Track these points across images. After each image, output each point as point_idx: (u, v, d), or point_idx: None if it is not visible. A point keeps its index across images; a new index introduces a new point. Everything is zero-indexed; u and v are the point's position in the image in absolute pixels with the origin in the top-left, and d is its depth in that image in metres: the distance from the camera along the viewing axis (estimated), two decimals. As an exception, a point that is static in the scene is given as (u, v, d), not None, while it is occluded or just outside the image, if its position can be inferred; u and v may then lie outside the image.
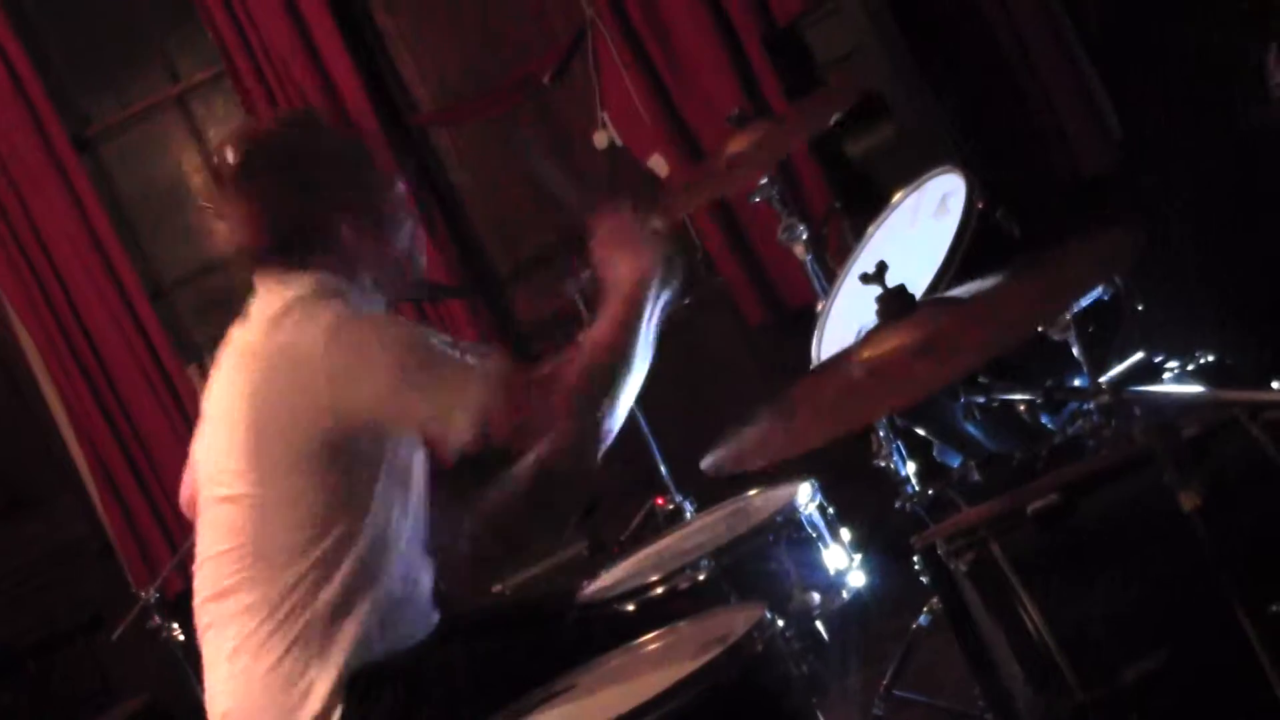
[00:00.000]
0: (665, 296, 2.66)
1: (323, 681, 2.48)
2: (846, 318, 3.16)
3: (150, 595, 4.39)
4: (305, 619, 2.50)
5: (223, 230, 2.65)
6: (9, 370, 5.60)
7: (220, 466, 2.59)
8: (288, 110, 2.80)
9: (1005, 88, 4.79)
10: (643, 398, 2.68)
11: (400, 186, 2.76)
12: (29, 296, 5.42)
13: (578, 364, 2.54)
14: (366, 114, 5.19)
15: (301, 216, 2.61)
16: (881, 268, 2.12)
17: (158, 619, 4.34)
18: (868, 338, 2.16)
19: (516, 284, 5.33)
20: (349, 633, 2.51)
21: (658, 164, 5.21)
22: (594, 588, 2.90)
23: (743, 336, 5.29)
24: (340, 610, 2.51)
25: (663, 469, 3.75)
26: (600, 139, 5.26)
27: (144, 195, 5.68)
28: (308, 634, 2.50)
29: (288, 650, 2.50)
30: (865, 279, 2.14)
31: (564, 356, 2.57)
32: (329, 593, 2.51)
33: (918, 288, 2.67)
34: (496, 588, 4.11)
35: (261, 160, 2.63)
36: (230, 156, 2.62)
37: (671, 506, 3.67)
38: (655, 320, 2.64)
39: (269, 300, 2.62)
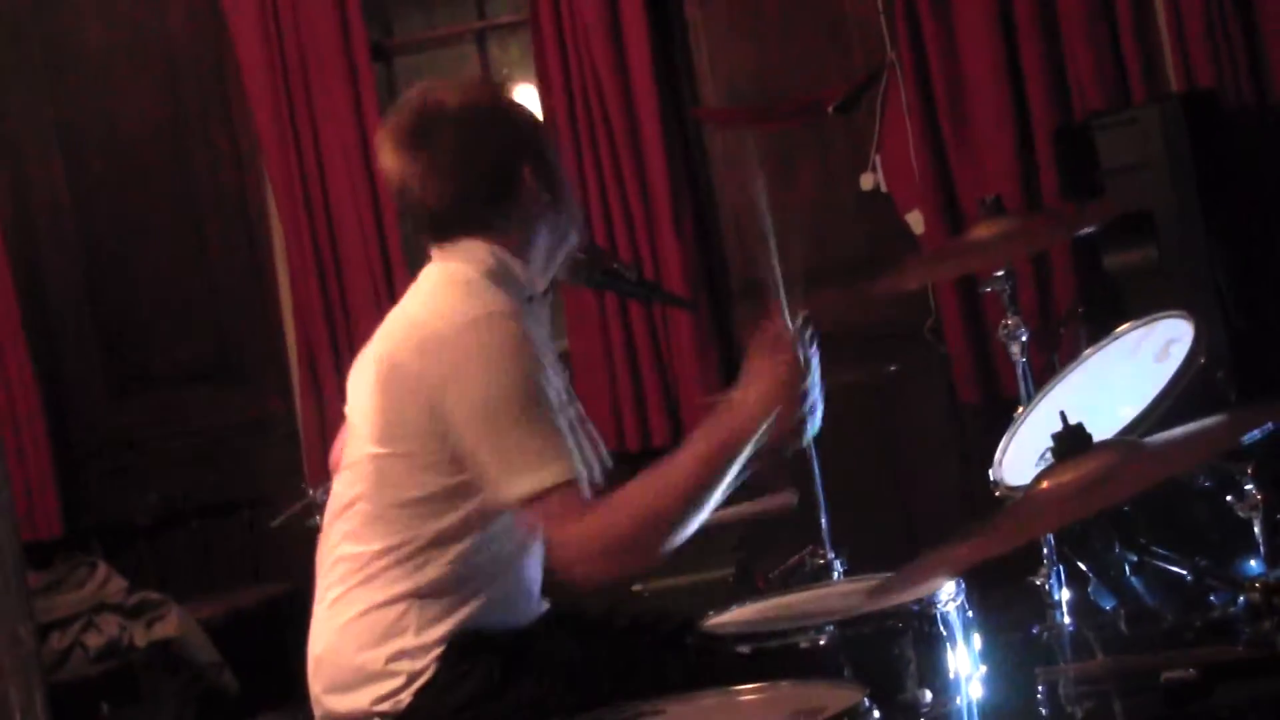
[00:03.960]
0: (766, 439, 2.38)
1: (421, 641, 2.50)
2: (1043, 426, 3.09)
3: (318, 495, 4.49)
4: (414, 582, 2.51)
5: (407, 192, 2.56)
6: (255, 250, 5.80)
7: (356, 429, 2.63)
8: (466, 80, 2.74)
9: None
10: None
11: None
12: (290, 183, 5.58)
13: (639, 503, 2.37)
14: (649, 95, 5.24)
15: (486, 164, 2.54)
16: (1064, 420, 2.06)
17: (319, 519, 4.43)
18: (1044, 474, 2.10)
19: (744, 301, 5.34)
20: (456, 605, 2.52)
21: (915, 220, 5.17)
22: (717, 620, 2.89)
23: (952, 411, 5.22)
24: (453, 585, 2.52)
25: (824, 522, 3.70)
26: (867, 180, 5.26)
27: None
28: (414, 596, 2.51)
29: (391, 604, 2.52)
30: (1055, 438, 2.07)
31: (641, 479, 2.38)
32: (442, 566, 2.51)
33: (1116, 422, 2.61)
34: (637, 586, 4.12)
35: (444, 118, 2.55)
36: (407, 117, 2.55)
37: (822, 562, 3.64)
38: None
39: (437, 270, 2.58)
